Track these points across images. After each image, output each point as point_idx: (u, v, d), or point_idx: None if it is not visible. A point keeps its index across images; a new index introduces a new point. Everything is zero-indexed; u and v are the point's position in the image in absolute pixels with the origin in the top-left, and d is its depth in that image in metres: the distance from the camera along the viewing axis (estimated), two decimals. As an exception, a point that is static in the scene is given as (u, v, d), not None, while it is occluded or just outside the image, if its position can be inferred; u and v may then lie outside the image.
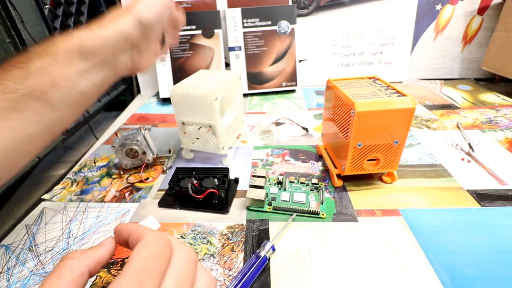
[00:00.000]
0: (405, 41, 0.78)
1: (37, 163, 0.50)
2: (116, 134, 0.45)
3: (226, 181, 0.39)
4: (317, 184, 0.40)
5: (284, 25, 0.73)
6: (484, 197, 0.37)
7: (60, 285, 0.17)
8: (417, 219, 0.34)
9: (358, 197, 0.38)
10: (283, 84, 0.76)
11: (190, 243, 0.33)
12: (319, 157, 0.47)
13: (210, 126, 0.43)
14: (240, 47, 0.74)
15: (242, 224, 0.35)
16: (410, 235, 0.32)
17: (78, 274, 0.18)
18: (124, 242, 0.21)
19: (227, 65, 0.77)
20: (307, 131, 0.56)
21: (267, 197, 0.38)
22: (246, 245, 0.32)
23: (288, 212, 0.36)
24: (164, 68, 0.74)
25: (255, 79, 0.76)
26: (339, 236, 0.33)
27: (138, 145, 0.44)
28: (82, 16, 0.69)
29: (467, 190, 0.39)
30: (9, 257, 0.32)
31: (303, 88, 0.80)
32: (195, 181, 0.38)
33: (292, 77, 0.76)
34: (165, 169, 0.47)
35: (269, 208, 0.37)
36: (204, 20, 0.72)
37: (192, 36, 0.73)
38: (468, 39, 0.79)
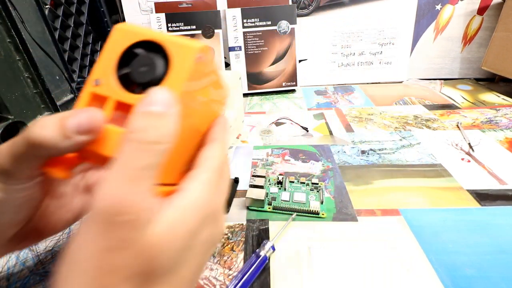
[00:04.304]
0: (405, 41, 0.78)
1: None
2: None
3: (226, 181, 0.39)
4: (317, 183, 0.40)
5: (284, 25, 0.73)
6: (484, 197, 0.37)
7: None
8: (417, 219, 0.34)
9: (358, 197, 0.38)
10: (283, 84, 0.76)
11: (190, 243, 0.33)
12: None
13: (210, 126, 0.43)
14: (240, 47, 0.74)
15: (242, 224, 0.35)
16: (410, 235, 0.32)
17: None
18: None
19: (227, 65, 0.77)
20: (307, 131, 0.56)
21: (267, 196, 0.38)
22: (246, 244, 0.32)
23: (288, 212, 0.36)
24: (164, 68, 0.74)
25: (255, 79, 0.76)
26: (339, 236, 0.33)
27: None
28: (82, 16, 0.69)
29: (467, 190, 0.39)
30: (9, 257, 0.32)
31: (303, 88, 0.80)
32: (195, 181, 0.38)
33: (292, 77, 0.76)
34: (165, 169, 0.47)
35: (269, 208, 0.37)
36: (204, 20, 0.72)
37: (192, 36, 0.73)
38: (468, 39, 0.79)
